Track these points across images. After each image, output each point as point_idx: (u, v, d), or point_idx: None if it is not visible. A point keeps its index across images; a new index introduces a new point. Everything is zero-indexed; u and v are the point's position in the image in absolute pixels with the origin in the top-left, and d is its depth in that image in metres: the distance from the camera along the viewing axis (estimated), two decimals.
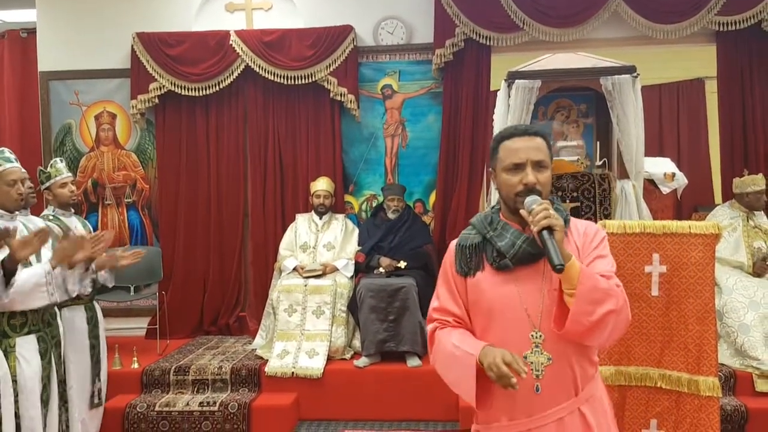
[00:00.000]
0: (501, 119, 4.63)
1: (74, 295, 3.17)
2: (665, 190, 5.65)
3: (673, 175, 5.69)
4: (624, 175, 4.47)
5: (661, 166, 5.70)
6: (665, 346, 3.04)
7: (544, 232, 1.74)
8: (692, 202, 6.55)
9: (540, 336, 1.85)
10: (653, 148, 6.50)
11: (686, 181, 5.98)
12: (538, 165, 1.86)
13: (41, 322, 3.09)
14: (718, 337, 4.49)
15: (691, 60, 6.42)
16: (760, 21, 5.07)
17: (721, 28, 5.14)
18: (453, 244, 2.02)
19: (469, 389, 1.83)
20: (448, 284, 1.99)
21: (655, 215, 4.96)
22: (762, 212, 4.94)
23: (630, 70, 4.50)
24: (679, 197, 6.12)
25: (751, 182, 4.86)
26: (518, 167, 1.86)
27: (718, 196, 5.85)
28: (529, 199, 1.81)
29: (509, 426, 1.89)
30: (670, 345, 3.02)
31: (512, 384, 1.71)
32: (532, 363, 1.85)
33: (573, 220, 1.96)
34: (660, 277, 2.95)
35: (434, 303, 2.03)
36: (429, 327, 2.03)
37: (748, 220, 4.85)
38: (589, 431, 1.87)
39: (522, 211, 1.81)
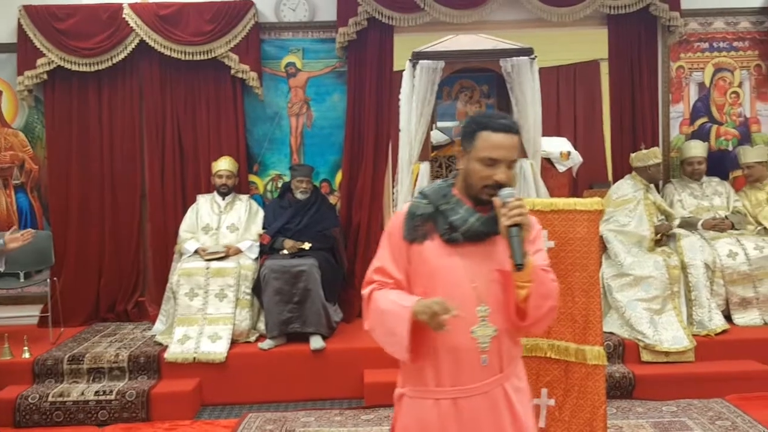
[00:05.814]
0: (407, 99, 4.66)
1: None
2: (561, 168, 5.87)
3: (569, 153, 5.92)
4: (522, 154, 4.58)
5: (557, 145, 5.91)
6: None
7: (513, 229, 1.81)
8: (588, 180, 6.82)
9: (486, 310, 1.92)
10: (551, 129, 6.70)
11: (581, 159, 6.24)
12: (511, 163, 1.92)
13: None
14: (609, 307, 4.73)
15: (586, 43, 6.61)
16: (648, 5, 5.28)
17: (612, 12, 5.32)
18: (402, 209, 2.04)
19: (402, 339, 1.86)
20: (391, 248, 2.00)
21: (552, 193, 5.11)
22: (654, 189, 5.17)
23: (527, 52, 4.61)
24: (574, 175, 6.37)
25: (652, 155, 5.06)
26: (494, 163, 1.89)
27: (611, 173, 6.10)
28: (506, 191, 1.87)
29: (436, 392, 1.94)
30: (558, 316, 3.13)
31: (442, 324, 1.79)
32: (479, 336, 1.91)
33: None
34: (549, 252, 3.04)
35: (375, 264, 2.02)
36: (366, 289, 2.01)
37: (647, 194, 5.06)
38: (511, 407, 1.95)
39: (495, 199, 1.87)
